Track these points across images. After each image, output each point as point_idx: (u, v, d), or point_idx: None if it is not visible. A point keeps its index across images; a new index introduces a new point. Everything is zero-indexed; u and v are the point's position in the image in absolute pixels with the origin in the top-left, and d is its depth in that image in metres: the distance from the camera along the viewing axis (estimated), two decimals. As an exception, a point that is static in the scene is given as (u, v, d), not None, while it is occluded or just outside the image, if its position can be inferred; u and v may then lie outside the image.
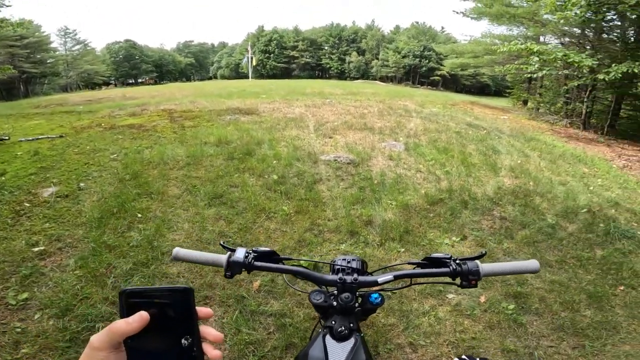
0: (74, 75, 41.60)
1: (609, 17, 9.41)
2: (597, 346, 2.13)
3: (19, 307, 2.18)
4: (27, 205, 3.40)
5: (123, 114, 8.16)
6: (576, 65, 8.55)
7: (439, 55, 39.80)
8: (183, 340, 0.44)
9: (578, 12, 8.39)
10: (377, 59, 52.26)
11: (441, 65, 39.70)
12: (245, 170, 4.45)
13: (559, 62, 9.23)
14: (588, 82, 9.78)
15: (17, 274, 2.44)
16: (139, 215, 3.29)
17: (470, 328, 2.22)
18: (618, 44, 10.02)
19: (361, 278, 0.83)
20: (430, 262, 0.86)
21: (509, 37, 15.90)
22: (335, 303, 0.82)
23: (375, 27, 58.07)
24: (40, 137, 5.87)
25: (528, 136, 8.02)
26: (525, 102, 16.59)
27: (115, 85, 49.18)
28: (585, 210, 3.94)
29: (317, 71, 59.73)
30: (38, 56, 34.37)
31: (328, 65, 56.94)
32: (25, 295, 2.26)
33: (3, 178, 4.00)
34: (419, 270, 0.86)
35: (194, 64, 71.05)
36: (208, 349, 0.46)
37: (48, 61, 37.29)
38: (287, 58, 57.60)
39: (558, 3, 8.74)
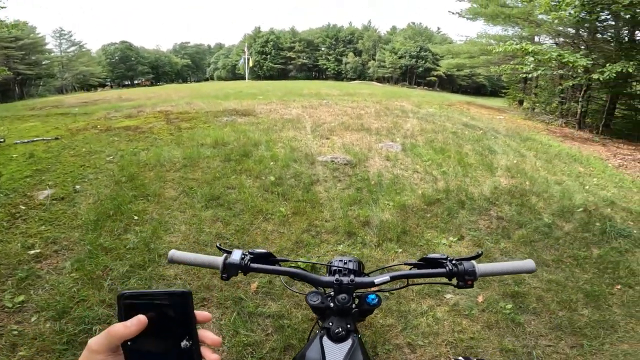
0: (69, 77, 41.43)
1: (602, 17, 9.49)
2: (595, 345, 2.14)
3: (15, 309, 2.16)
4: (23, 208, 3.37)
5: (119, 116, 8.12)
6: (571, 65, 8.63)
7: (435, 55, 39.83)
8: (181, 344, 0.44)
9: (572, 12, 8.47)
10: (374, 59, 52.28)
11: (437, 65, 39.80)
12: (242, 171, 4.44)
13: (554, 62, 9.30)
14: (583, 82, 9.85)
15: (13, 276, 2.43)
16: (136, 217, 3.27)
17: (469, 328, 2.23)
18: (612, 44, 10.09)
19: (358, 279, 0.83)
20: (426, 262, 0.87)
21: (504, 37, 16.00)
22: (332, 304, 0.81)
23: (372, 27, 58.07)
24: (35, 139, 5.83)
25: (524, 136, 8.06)
26: (521, 102, 16.69)
27: (111, 86, 48.91)
28: (581, 209, 3.97)
29: (314, 72, 59.65)
30: (33, 58, 34.22)
31: (325, 66, 56.92)
32: (21, 297, 2.24)
33: (-2, 181, 3.98)
34: (415, 271, 0.86)
35: (190, 66, 70.79)
36: (206, 352, 0.46)
37: (43, 63, 37.14)
38: (283, 59, 57.51)
39: (552, 3, 8.82)
